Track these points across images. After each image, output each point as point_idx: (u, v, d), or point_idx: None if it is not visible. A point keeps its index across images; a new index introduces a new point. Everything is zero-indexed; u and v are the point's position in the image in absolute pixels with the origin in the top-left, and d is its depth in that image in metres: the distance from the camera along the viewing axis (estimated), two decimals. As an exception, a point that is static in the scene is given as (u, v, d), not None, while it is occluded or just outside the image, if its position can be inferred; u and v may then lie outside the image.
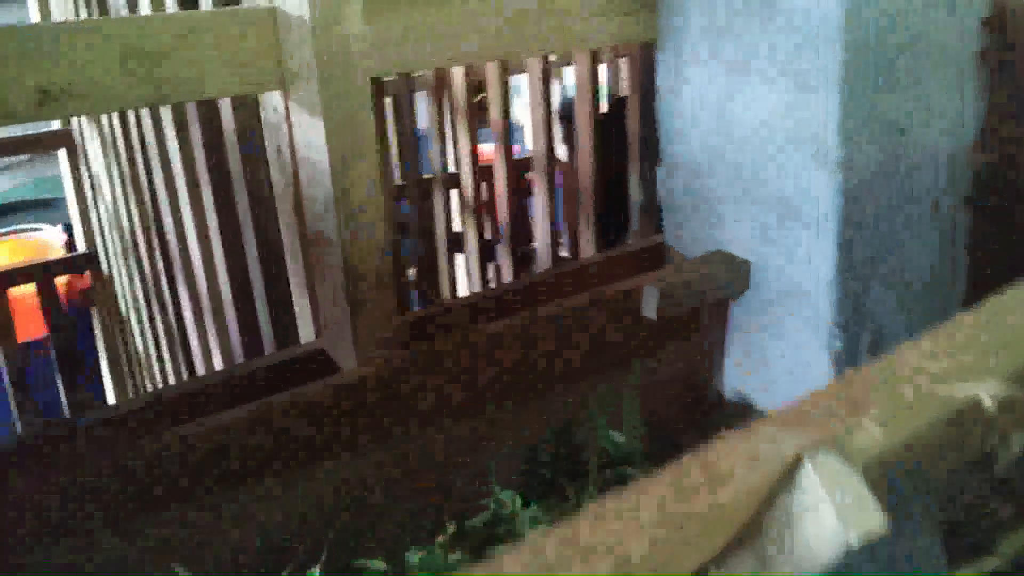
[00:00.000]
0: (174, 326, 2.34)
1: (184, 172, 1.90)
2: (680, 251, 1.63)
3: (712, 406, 1.63)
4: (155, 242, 2.31)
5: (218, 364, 2.04)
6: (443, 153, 2.72)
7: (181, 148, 1.88)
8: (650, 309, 1.45)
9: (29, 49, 1.13)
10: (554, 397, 1.54)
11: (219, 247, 1.85)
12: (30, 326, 2.97)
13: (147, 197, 2.28)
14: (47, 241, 3.27)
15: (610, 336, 1.61)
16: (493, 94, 2.34)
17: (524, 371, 1.50)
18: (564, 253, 2.99)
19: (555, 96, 3.09)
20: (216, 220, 1.81)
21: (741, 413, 1.57)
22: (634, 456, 1.62)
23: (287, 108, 1.40)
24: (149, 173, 2.21)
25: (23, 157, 3.81)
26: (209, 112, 1.74)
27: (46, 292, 2.96)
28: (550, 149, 2.35)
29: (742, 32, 1.31)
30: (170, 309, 2.35)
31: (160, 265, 2.31)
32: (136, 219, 2.44)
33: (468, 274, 2.72)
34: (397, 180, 2.79)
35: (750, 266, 1.48)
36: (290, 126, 1.41)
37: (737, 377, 1.62)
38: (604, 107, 2.91)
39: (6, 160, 4.04)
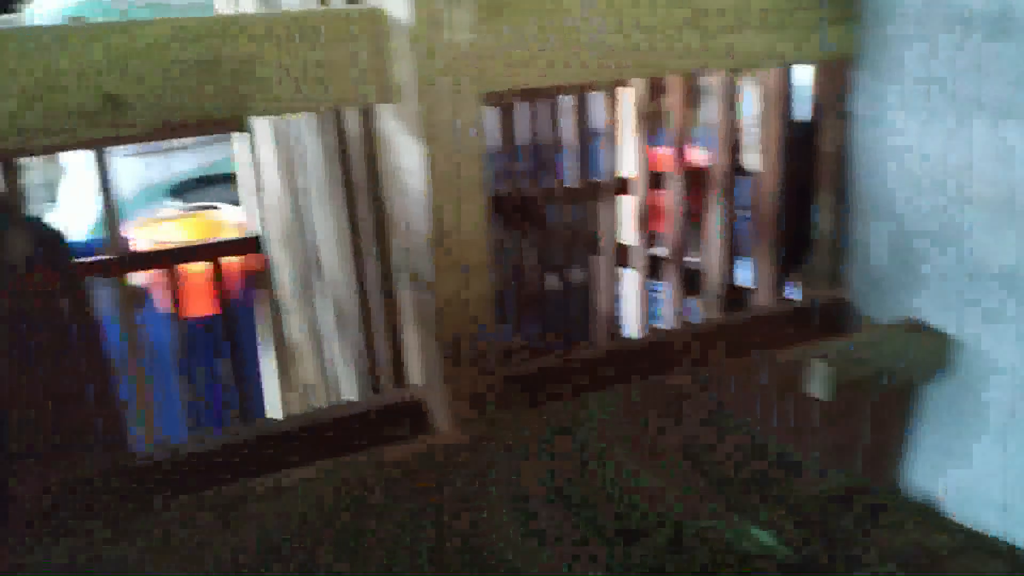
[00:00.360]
0: (318, 325, 2.26)
1: (319, 175, 1.78)
2: (865, 311, 1.33)
3: (886, 507, 1.32)
4: (304, 237, 2.22)
5: (345, 375, 1.93)
6: (613, 156, 2.48)
7: (321, 149, 1.76)
8: (822, 388, 1.18)
9: (90, 51, 1.00)
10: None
11: (346, 259, 1.71)
12: (199, 303, 3.01)
13: (298, 190, 2.19)
14: (224, 220, 3.31)
15: (768, 415, 1.33)
16: (674, 98, 2.07)
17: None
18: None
19: (752, 102, 2.75)
20: (341, 232, 1.68)
21: (926, 521, 1.26)
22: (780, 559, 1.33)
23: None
24: (299, 167, 2.12)
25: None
26: (339, 115, 1.60)
27: (216, 272, 2.98)
28: (732, 164, 2.05)
29: (988, 58, 0.99)
30: (316, 306, 2.26)
31: (307, 261, 2.23)
32: (289, 210, 2.37)
33: (631, 291, 2.47)
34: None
35: (951, 343, 1.17)
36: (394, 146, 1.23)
37: (923, 474, 1.30)
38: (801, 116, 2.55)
39: (189, 141, 4.18)
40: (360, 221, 1.57)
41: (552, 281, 2.66)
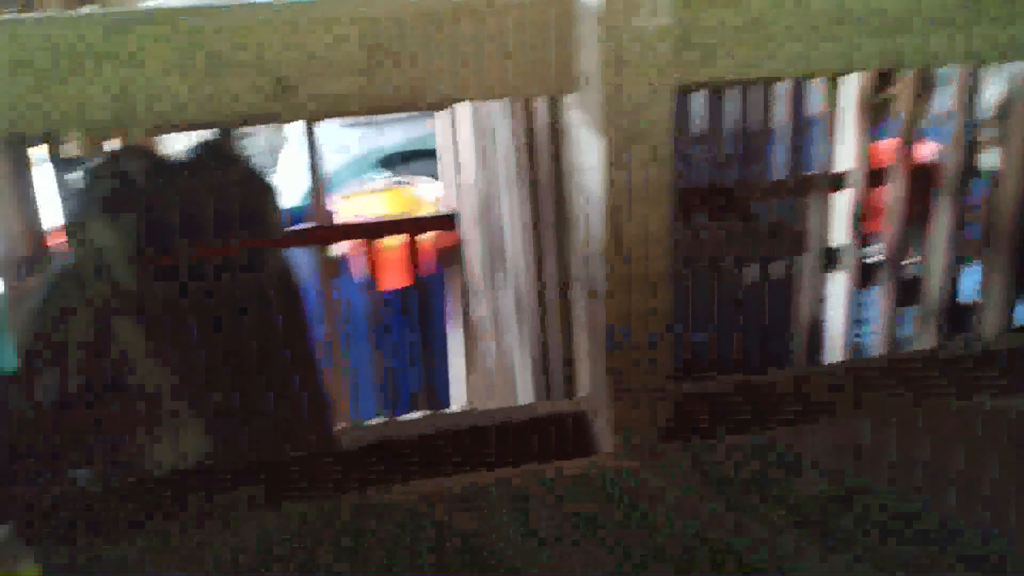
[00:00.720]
0: (500, 310, 2.22)
1: (507, 163, 1.72)
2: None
3: None
4: (492, 221, 2.18)
5: (521, 366, 1.87)
6: (829, 147, 2.27)
7: (510, 137, 1.70)
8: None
9: (265, 34, 0.97)
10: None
11: (527, 252, 1.65)
12: (394, 276, 3.06)
13: (490, 174, 2.15)
14: (423, 196, 3.35)
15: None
16: (904, 87, 1.85)
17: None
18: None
19: (994, 93, 2.44)
20: (524, 224, 1.61)
21: None
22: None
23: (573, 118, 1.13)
24: (491, 151, 2.07)
25: (424, 107, 3.95)
26: (528, 103, 1.52)
27: (410, 247, 3.01)
28: (966, 162, 1.81)
29: None
30: (499, 291, 2.22)
31: (494, 245, 2.19)
32: (482, 192, 2.34)
33: (837, 297, 2.26)
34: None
35: None
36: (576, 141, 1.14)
37: None
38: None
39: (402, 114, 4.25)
40: (542, 215, 1.49)
41: (751, 278, 2.48)
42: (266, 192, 0.97)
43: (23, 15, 0.92)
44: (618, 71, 0.97)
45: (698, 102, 2.52)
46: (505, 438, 1.16)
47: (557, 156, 1.36)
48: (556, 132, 1.35)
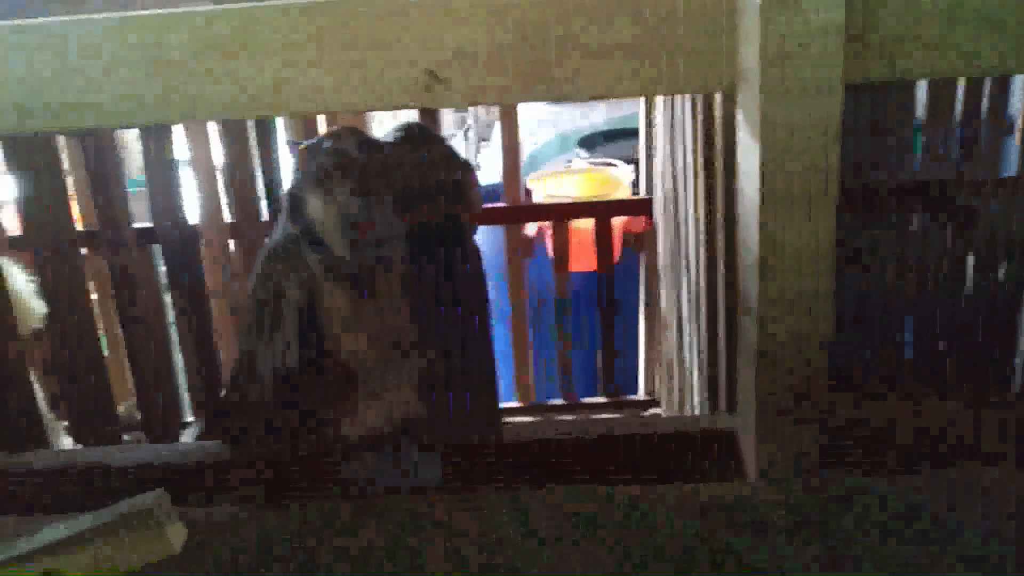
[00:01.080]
0: (680, 304, 2.13)
1: (689, 153, 1.63)
2: None
3: None
4: (677, 212, 2.09)
5: (694, 365, 1.79)
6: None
7: (691, 127, 1.61)
8: None
9: (416, 23, 0.96)
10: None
11: (700, 250, 1.56)
12: (584, 259, 3.03)
13: (676, 162, 2.06)
14: (619, 179, 3.28)
15: None
16: None
17: None
18: None
19: None
20: (698, 220, 1.52)
21: None
22: None
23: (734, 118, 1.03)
24: (679, 138, 1.98)
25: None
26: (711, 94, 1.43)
27: (601, 231, 2.97)
28: None
29: None
30: (681, 284, 2.14)
31: (677, 237, 2.10)
32: (670, 179, 2.25)
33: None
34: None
35: None
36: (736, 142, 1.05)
37: None
38: None
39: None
40: (716, 214, 1.40)
41: (972, 288, 2.24)
42: (465, 170, 1.00)
43: (191, 8, 0.95)
44: (779, 68, 0.87)
45: (921, 88, 2.30)
46: (639, 450, 1.10)
47: (733, 156, 1.26)
48: (732, 128, 1.25)
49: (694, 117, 1.56)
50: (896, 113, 2.18)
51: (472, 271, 0.99)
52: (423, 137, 1.03)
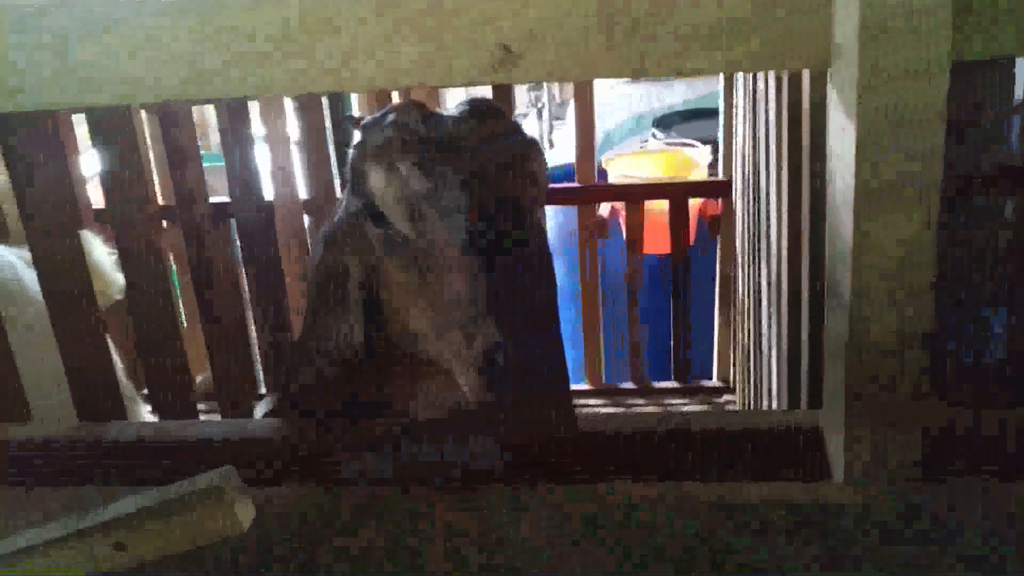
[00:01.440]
0: (760, 289, 2.07)
1: (774, 134, 1.57)
2: None
3: None
4: (758, 194, 2.03)
5: (774, 354, 1.73)
6: None
7: (775, 107, 1.55)
8: None
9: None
10: None
11: (783, 234, 1.50)
12: (659, 241, 2.97)
13: (758, 143, 1.99)
14: (696, 160, 3.20)
15: None
16: None
17: None
18: None
19: None
20: (782, 204, 1.46)
21: None
22: None
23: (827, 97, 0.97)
24: (761, 118, 1.91)
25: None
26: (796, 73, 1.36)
27: (676, 213, 2.91)
28: None
29: None
30: (761, 269, 2.07)
31: (758, 220, 2.03)
32: (751, 162, 2.18)
33: None
34: None
35: None
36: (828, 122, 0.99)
37: None
38: None
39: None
40: (802, 199, 1.34)
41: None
42: (531, 147, 0.97)
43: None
44: (877, 43, 0.81)
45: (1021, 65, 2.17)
46: (717, 446, 1.06)
47: (821, 136, 1.20)
48: (822, 109, 1.19)
49: (779, 97, 1.50)
50: (994, 94, 2.08)
51: (537, 253, 0.95)
52: (488, 112, 1.00)
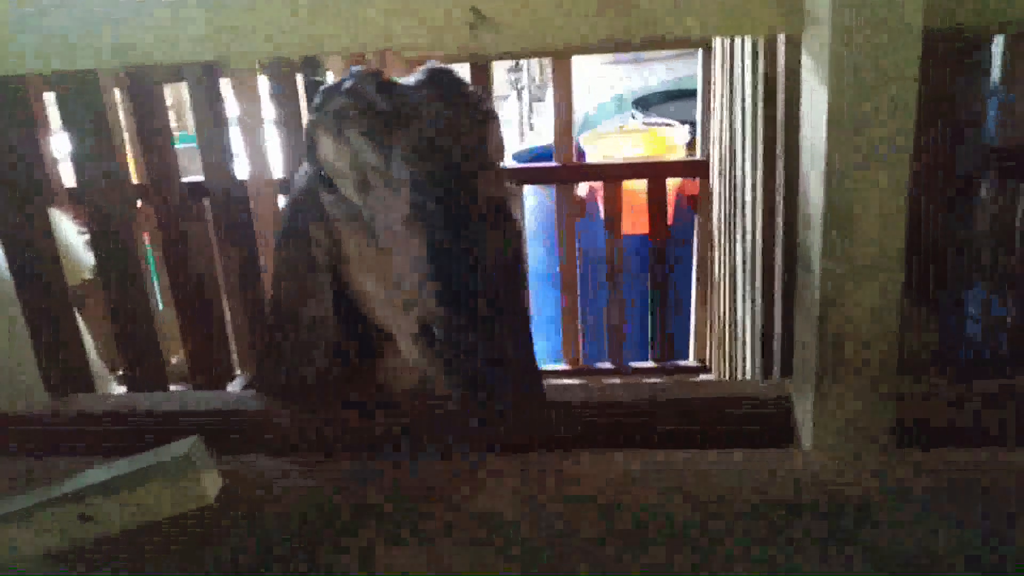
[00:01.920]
0: (735, 267, 2.07)
1: (749, 109, 1.56)
2: None
3: None
4: (733, 172, 2.02)
5: (748, 330, 1.73)
6: None
7: (750, 79, 1.54)
8: None
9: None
10: None
11: (758, 209, 1.49)
12: (637, 221, 2.97)
13: (734, 120, 1.99)
14: (674, 140, 3.20)
15: None
16: None
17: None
18: None
19: None
20: (756, 178, 1.46)
21: None
22: None
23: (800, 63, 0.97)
24: (737, 94, 1.91)
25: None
26: (772, 43, 1.36)
27: (654, 192, 2.91)
28: None
29: None
30: (736, 247, 2.07)
31: (733, 197, 2.03)
32: (727, 139, 2.17)
33: None
34: None
35: None
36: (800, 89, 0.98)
37: None
38: None
39: (667, 52, 4.08)
40: (775, 170, 1.34)
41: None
42: (488, 117, 0.95)
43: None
44: (851, 9, 0.81)
45: (998, 46, 2.19)
46: (687, 416, 1.06)
47: (795, 108, 1.20)
48: (796, 80, 1.19)
49: (754, 71, 1.49)
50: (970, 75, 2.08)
51: (496, 224, 0.93)
52: (446, 82, 0.97)
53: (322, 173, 0.95)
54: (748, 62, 1.58)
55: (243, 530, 0.93)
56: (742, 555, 0.84)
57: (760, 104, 1.41)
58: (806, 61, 0.92)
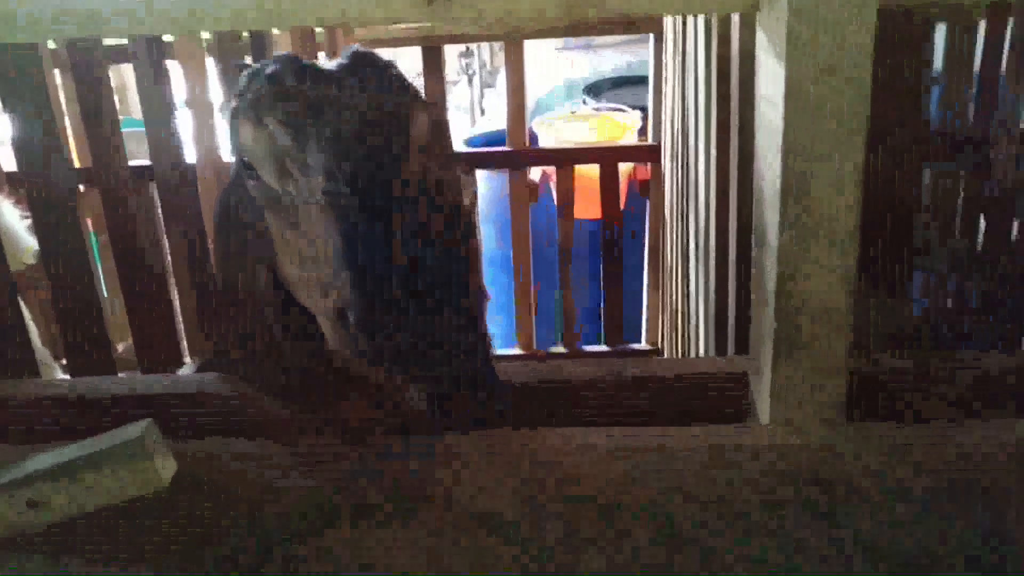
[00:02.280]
0: (688, 249, 2.09)
1: (703, 91, 1.57)
2: None
3: None
4: (686, 154, 2.04)
5: (703, 312, 1.74)
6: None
7: (704, 62, 1.55)
8: None
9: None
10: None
11: (712, 190, 1.51)
12: (590, 205, 2.98)
13: (687, 103, 2.00)
14: (627, 125, 3.22)
15: None
16: None
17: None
18: None
19: None
20: (711, 160, 1.47)
21: None
22: None
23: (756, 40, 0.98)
24: (690, 78, 1.92)
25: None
26: (725, 25, 1.37)
27: (606, 176, 2.92)
28: None
29: None
30: (689, 229, 2.09)
31: (686, 180, 2.05)
32: (680, 123, 2.19)
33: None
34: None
35: None
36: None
37: None
38: None
39: (619, 38, 4.08)
40: (730, 151, 1.35)
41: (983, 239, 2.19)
42: (411, 101, 0.94)
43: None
44: (808, -17, 0.81)
45: (940, 35, 2.24)
46: (643, 394, 1.07)
47: (750, 86, 1.21)
48: (751, 60, 1.20)
49: (708, 52, 1.50)
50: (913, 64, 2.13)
51: (433, 208, 0.93)
52: (369, 66, 0.96)
53: (244, 159, 0.95)
54: (702, 43, 1.59)
55: (243, 530, 0.92)
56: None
57: (714, 85, 1.42)
58: (761, 39, 0.93)
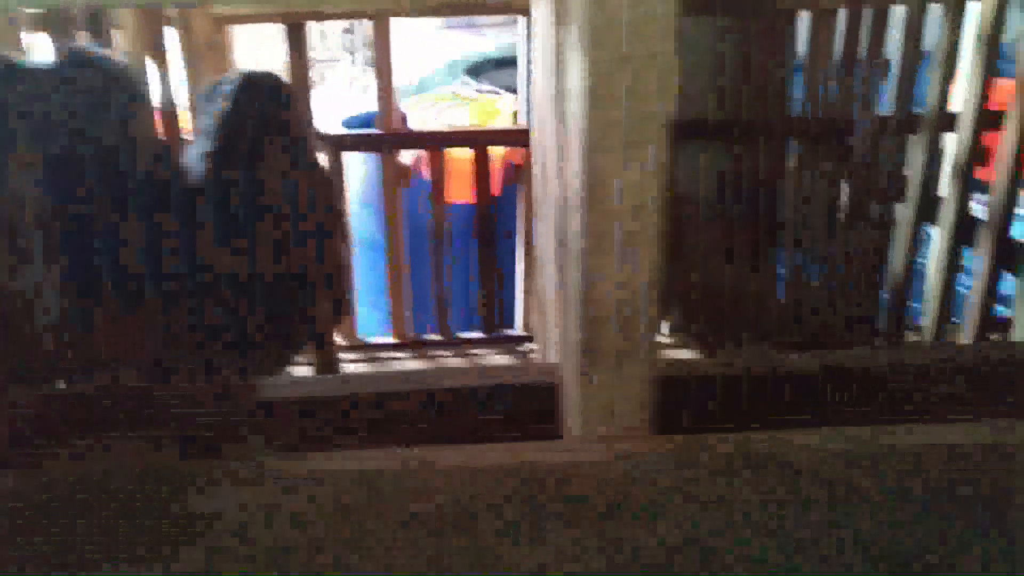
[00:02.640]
0: (560, 235, 2.05)
1: (544, 78, 1.52)
2: None
3: None
4: (544, 138, 1.99)
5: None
6: (944, 84, 1.97)
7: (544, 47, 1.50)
8: None
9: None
10: None
11: (557, 180, 1.46)
12: (462, 190, 2.92)
13: (544, 86, 1.95)
14: (501, 108, 3.17)
15: None
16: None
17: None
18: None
19: None
20: (550, 146, 1.42)
21: None
22: None
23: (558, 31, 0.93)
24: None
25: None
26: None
27: (478, 161, 2.86)
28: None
29: None
30: (556, 214, 2.05)
31: (546, 165, 2.01)
32: (539, 106, 2.14)
33: (932, 256, 1.99)
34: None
35: None
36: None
37: None
38: None
39: (502, 18, 4.02)
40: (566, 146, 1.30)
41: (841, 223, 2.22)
42: (136, 99, 0.88)
43: None
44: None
45: (803, 26, 2.28)
46: (454, 407, 1.02)
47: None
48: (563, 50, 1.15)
49: (545, 42, 1.45)
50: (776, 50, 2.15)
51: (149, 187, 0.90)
52: (82, 62, 0.91)
53: None
54: (547, 34, 1.54)
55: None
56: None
57: (552, 76, 1.37)
58: (565, 32, 0.88)
